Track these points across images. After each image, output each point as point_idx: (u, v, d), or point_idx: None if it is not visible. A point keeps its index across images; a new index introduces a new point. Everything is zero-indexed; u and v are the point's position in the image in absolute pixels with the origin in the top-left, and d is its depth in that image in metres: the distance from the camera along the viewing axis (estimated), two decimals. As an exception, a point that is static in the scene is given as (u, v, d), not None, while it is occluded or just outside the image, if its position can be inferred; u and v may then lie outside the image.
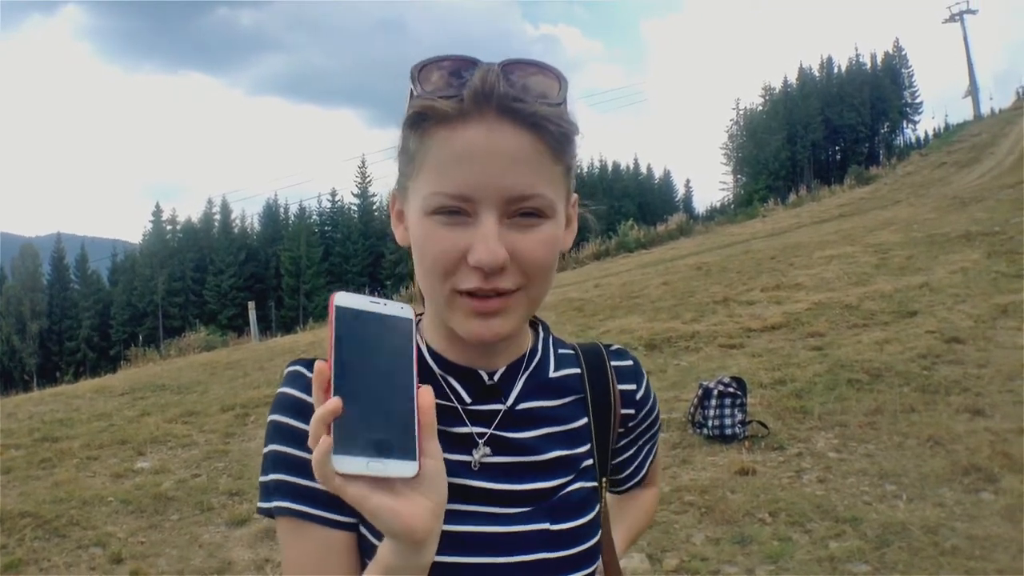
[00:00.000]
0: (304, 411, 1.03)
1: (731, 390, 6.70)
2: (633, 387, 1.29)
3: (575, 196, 1.17)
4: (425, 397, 0.87)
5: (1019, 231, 14.27)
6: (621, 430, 1.28)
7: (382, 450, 0.82)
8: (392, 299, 0.90)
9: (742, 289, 13.62)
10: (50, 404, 11.38)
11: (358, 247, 75.57)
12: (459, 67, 1.00)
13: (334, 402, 0.80)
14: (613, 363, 1.28)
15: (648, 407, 1.32)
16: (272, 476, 1.07)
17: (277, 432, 1.07)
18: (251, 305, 24.53)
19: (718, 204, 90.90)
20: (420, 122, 1.01)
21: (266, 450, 1.08)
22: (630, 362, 1.32)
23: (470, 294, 1.01)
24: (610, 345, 1.33)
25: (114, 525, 6.07)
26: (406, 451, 0.84)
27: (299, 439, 1.03)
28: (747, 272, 15.49)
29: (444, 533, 0.94)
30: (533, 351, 1.19)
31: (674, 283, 15.68)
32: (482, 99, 0.97)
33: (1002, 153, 35.22)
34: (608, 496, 1.32)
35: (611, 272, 21.15)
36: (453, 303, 1.03)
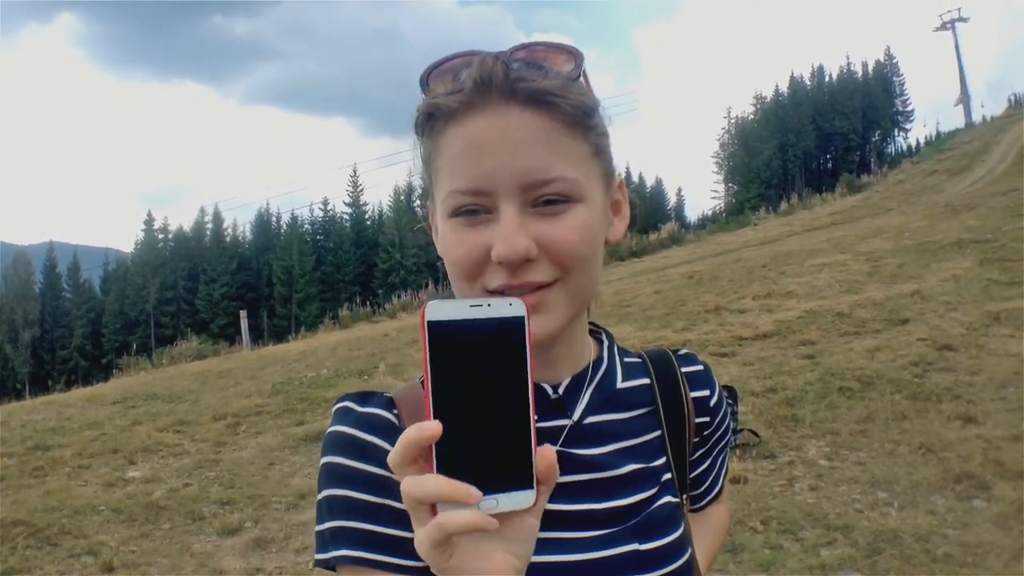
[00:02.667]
0: (359, 449, 0.99)
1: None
2: (707, 393, 1.23)
3: (620, 178, 1.11)
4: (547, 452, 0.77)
5: (1011, 238, 14.30)
6: (696, 440, 1.21)
7: (494, 485, 0.73)
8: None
9: (733, 297, 13.62)
10: (42, 412, 11.37)
11: (350, 256, 75.53)
12: (462, 64, 0.96)
13: (432, 426, 0.71)
14: (684, 369, 1.22)
15: (722, 413, 1.26)
16: (329, 524, 0.99)
17: (331, 475, 1.00)
18: (243, 314, 24.55)
19: (710, 213, 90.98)
20: (429, 124, 0.98)
21: (320, 496, 1.01)
22: (700, 367, 1.25)
23: (501, 294, 0.94)
24: (677, 349, 1.27)
25: (106, 534, 6.06)
26: (521, 479, 0.75)
27: (357, 480, 0.98)
28: (738, 280, 15.48)
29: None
30: (598, 362, 1.13)
31: (665, 292, 15.67)
32: (483, 87, 0.93)
33: (994, 161, 35.33)
34: None
35: (603, 280, 21.12)
36: None
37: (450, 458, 0.72)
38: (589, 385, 1.10)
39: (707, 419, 1.22)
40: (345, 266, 75.06)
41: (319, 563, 1.01)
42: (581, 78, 0.99)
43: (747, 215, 44.69)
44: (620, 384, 1.14)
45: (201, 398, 11.79)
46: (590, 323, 1.17)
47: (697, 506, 1.29)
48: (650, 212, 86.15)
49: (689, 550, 1.11)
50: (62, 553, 5.73)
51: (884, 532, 4.86)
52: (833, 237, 20.77)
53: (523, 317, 0.78)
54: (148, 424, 9.75)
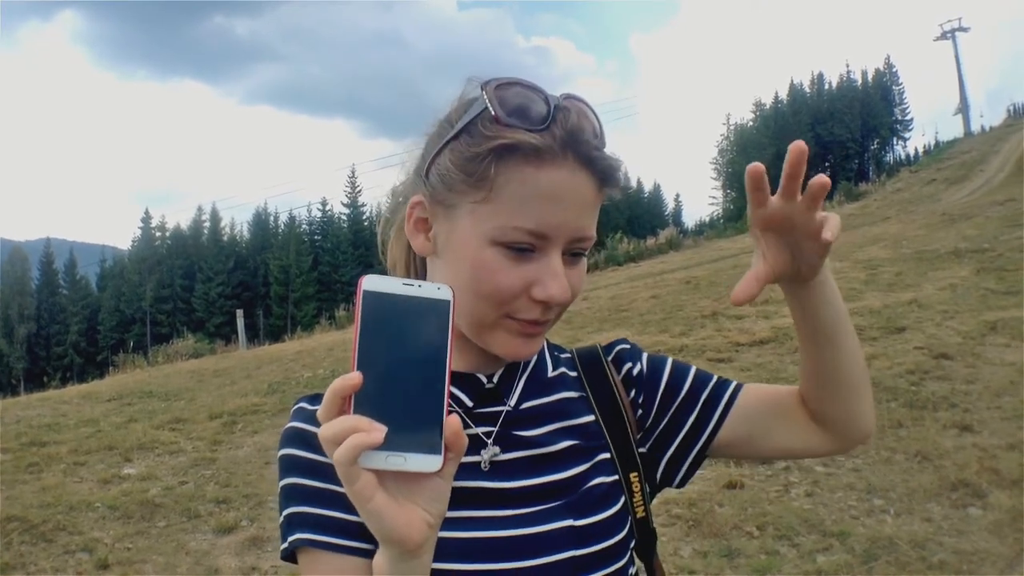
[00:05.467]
0: (310, 441, 1.05)
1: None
2: (630, 365, 1.27)
3: None
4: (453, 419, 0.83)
5: (1008, 248, 14.33)
6: (641, 412, 1.24)
7: (404, 444, 0.80)
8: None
9: (730, 303, 13.62)
10: (37, 409, 11.34)
11: (347, 256, 75.49)
12: (535, 98, 1.04)
13: (354, 375, 0.79)
14: (609, 357, 1.29)
15: (650, 369, 1.27)
16: (287, 511, 1.07)
17: (288, 465, 1.09)
18: (239, 313, 24.46)
19: (708, 219, 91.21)
20: (506, 154, 1.02)
21: (280, 486, 1.10)
22: (625, 346, 1.31)
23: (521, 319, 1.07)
24: (611, 343, 1.33)
25: (101, 531, 6.05)
26: (430, 445, 0.81)
27: (308, 468, 1.06)
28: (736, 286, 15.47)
29: (462, 541, 1.01)
30: None
31: (663, 297, 15.68)
32: (571, 143, 1.02)
33: (992, 170, 35.40)
34: (752, 407, 1.25)
35: (600, 285, 21.12)
36: (501, 325, 1.08)
37: (367, 412, 0.79)
38: (522, 375, 1.19)
39: (640, 392, 1.26)
40: (342, 266, 75.00)
41: (284, 555, 1.08)
42: None
43: (745, 221, 44.76)
44: (551, 374, 1.23)
45: (197, 396, 11.79)
46: None
47: (727, 413, 1.26)
48: (648, 217, 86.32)
49: (627, 527, 1.17)
50: (57, 549, 5.72)
51: (880, 539, 4.86)
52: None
53: (449, 301, 0.85)
54: (144, 422, 9.74)
